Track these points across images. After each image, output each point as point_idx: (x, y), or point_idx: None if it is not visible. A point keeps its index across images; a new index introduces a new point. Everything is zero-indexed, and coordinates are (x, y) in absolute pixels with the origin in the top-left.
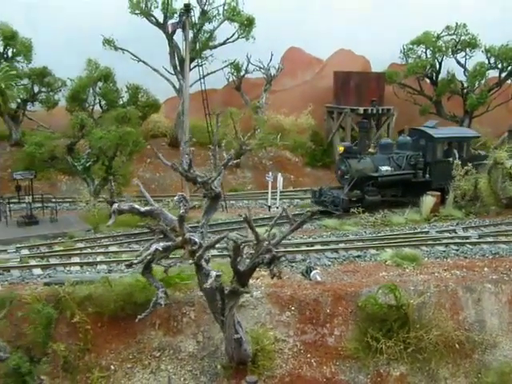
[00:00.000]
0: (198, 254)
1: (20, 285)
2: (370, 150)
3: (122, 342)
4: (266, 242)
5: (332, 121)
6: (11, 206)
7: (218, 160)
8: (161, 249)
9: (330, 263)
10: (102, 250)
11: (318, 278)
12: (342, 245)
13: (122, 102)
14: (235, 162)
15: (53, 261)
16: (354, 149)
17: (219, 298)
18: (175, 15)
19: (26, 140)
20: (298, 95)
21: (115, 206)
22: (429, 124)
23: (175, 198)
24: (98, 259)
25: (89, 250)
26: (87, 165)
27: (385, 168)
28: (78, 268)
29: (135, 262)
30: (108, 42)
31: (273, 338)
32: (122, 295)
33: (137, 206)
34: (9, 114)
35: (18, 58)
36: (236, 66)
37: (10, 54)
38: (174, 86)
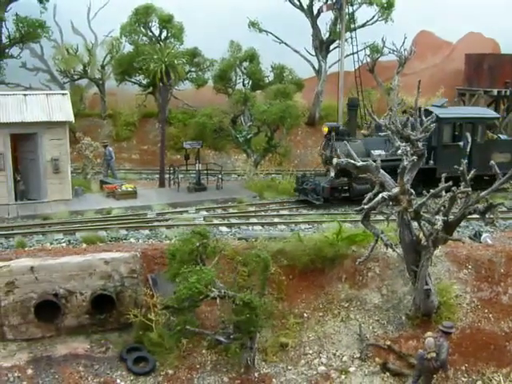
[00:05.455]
0: (419, 203)
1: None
2: (363, 131)
3: (312, 293)
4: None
5: (463, 103)
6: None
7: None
8: (386, 197)
9: (492, 230)
10: (274, 213)
11: (489, 241)
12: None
13: (267, 81)
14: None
15: (233, 221)
16: (341, 130)
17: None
18: None
19: (172, 117)
20: (427, 78)
21: (335, 160)
22: (437, 103)
23: (398, 151)
24: (276, 220)
25: (263, 213)
26: (248, 137)
27: (378, 152)
28: (259, 227)
29: (365, 207)
30: (253, 24)
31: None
32: (312, 250)
33: (353, 161)
34: (160, 92)
35: (171, 40)
36: (375, 48)
37: (162, 36)
38: (314, 67)
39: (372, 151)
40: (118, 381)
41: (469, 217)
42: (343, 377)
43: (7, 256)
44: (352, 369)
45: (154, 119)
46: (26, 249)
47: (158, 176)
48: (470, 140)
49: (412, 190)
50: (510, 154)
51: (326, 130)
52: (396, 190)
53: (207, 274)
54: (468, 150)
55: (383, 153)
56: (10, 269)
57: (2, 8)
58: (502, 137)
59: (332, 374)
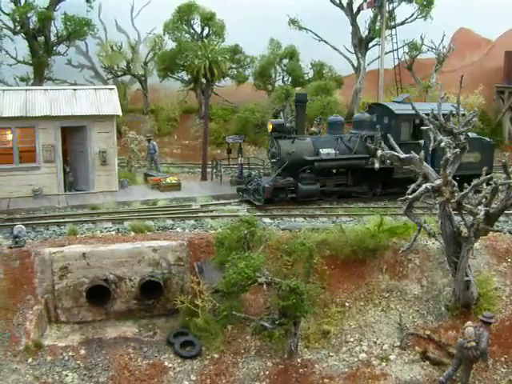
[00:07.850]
0: (461, 194)
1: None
2: (313, 128)
3: (353, 283)
4: None
5: (501, 101)
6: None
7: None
8: (430, 187)
9: None
10: (315, 205)
11: None
12: None
13: (307, 78)
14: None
15: (275, 212)
16: (287, 127)
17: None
18: None
19: (213, 113)
20: (465, 76)
21: (379, 152)
22: (397, 98)
23: (442, 144)
24: (317, 212)
25: (304, 206)
26: None
27: (326, 151)
28: (301, 219)
29: (410, 197)
30: (293, 22)
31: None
32: (355, 241)
33: (397, 154)
34: (201, 88)
35: (212, 37)
36: (414, 46)
37: (204, 33)
38: (353, 65)
39: (321, 150)
40: (166, 363)
41: (509, 212)
42: (384, 364)
43: (60, 242)
44: (392, 357)
45: (195, 115)
46: (78, 236)
47: (199, 170)
48: (432, 138)
49: (454, 182)
50: (480, 154)
51: (270, 127)
52: (439, 181)
53: (256, 260)
54: (431, 148)
55: (332, 151)
56: (63, 254)
57: (51, 7)
58: (471, 135)
59: (373, 361)
